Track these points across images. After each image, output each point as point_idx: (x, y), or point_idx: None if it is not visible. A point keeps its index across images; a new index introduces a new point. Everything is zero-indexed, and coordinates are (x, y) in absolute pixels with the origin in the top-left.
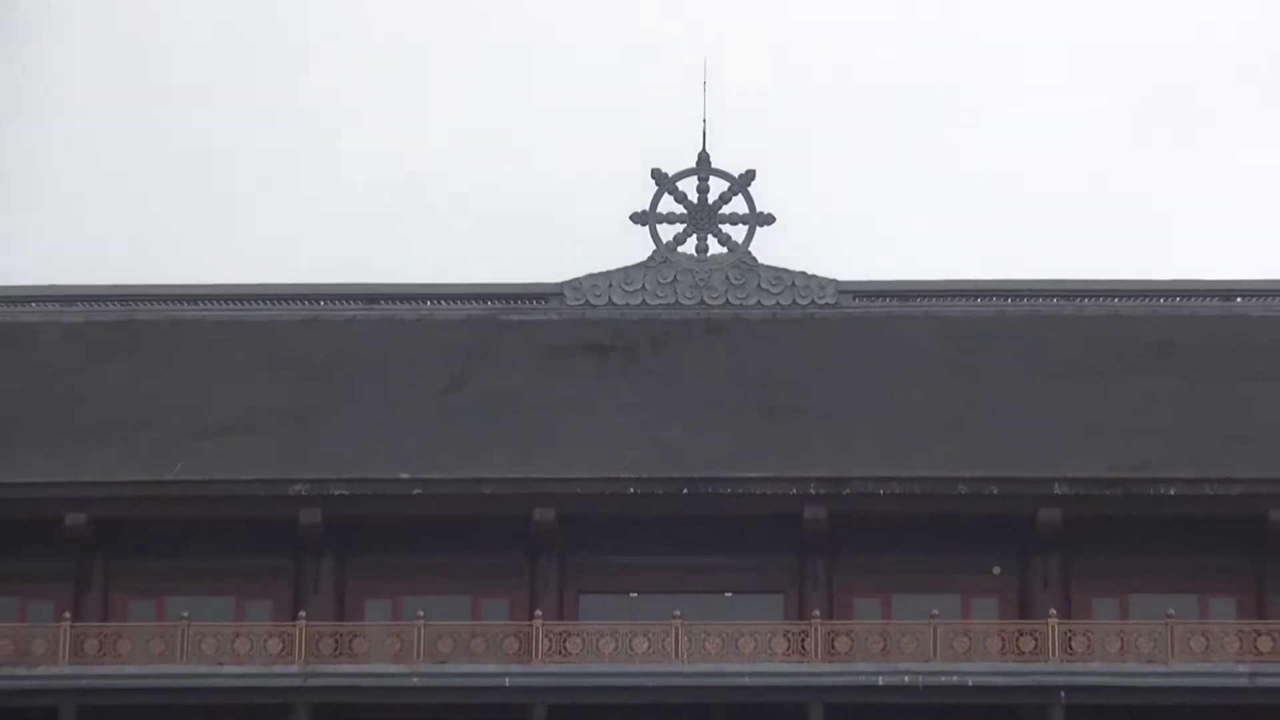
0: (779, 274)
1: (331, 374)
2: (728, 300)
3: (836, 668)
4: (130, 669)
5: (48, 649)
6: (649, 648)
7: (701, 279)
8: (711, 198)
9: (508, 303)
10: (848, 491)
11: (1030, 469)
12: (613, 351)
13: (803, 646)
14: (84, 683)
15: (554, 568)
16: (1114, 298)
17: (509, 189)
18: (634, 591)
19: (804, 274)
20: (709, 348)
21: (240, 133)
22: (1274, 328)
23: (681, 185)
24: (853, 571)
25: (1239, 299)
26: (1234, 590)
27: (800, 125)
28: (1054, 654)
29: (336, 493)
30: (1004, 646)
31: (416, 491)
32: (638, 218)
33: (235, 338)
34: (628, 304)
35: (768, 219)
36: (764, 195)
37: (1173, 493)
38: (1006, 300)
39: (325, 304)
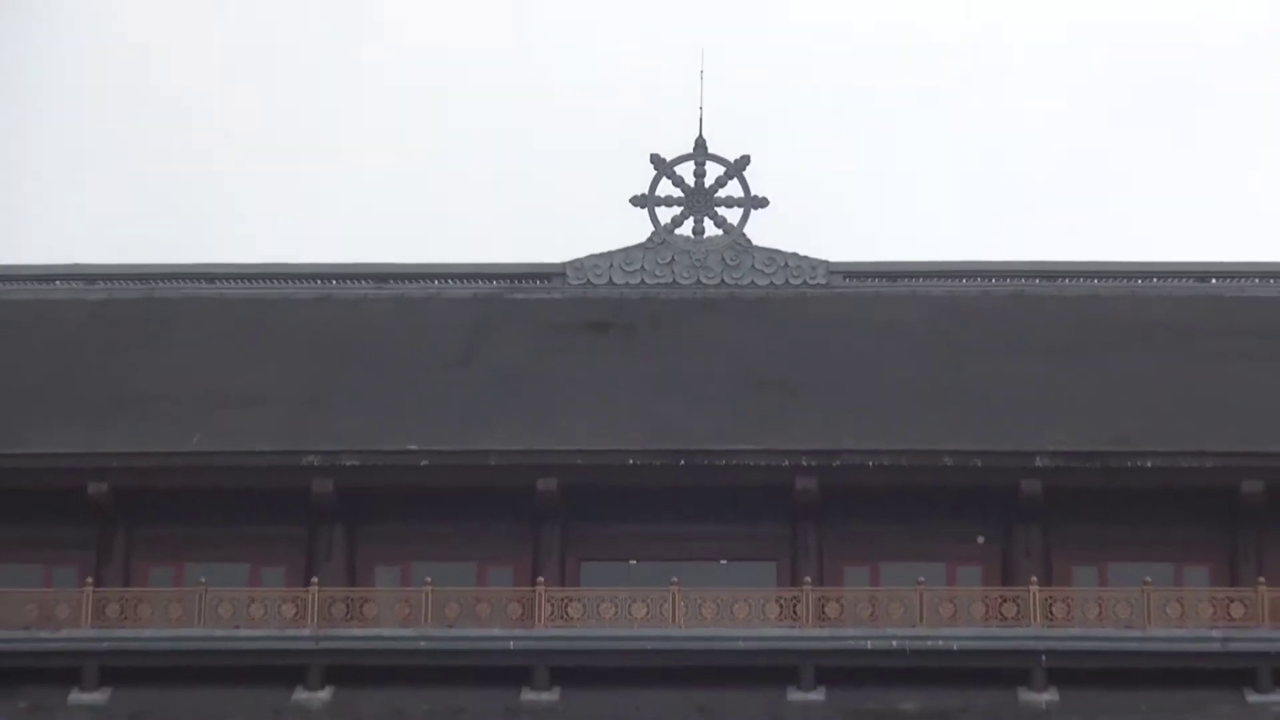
0: (772, 255)
1: (343, 350)
2: (723, 280)
3: (827, 633)
4: (150, 632)
5: (71, 613)
6: (647, 613)
7: (698, 260)
8: (708, 182)
9: (512, 282)
10: (838, 463)
11: (1013, 442)
12: (613, 329)
13: (794, 612)
14: (105, 645)
15: (556, 536)
16: (1094, 279)
17: (514, 172)
18: (633, 559)
19: (796, 255)
20: (705, 326)
21: (257, 121)
22: (1247, 308)
23: (679, 170)
24: (842, 540)
25: (1214, 280)
26: (1208, 559)
27: (793, 112)
28: (1035, 619)
29: (348, 464)
30: (987, 612)
31: (425, 463)
32: (637, 201)
33: (250, 315)
34: (627, 283)
35: (762, 202)
36: (758, 179)
37: (1149, 465)
38: (991, 280)
39: (337, 283)
